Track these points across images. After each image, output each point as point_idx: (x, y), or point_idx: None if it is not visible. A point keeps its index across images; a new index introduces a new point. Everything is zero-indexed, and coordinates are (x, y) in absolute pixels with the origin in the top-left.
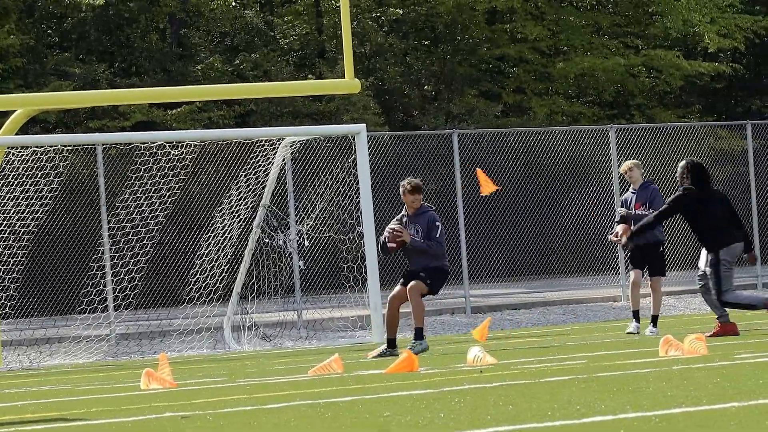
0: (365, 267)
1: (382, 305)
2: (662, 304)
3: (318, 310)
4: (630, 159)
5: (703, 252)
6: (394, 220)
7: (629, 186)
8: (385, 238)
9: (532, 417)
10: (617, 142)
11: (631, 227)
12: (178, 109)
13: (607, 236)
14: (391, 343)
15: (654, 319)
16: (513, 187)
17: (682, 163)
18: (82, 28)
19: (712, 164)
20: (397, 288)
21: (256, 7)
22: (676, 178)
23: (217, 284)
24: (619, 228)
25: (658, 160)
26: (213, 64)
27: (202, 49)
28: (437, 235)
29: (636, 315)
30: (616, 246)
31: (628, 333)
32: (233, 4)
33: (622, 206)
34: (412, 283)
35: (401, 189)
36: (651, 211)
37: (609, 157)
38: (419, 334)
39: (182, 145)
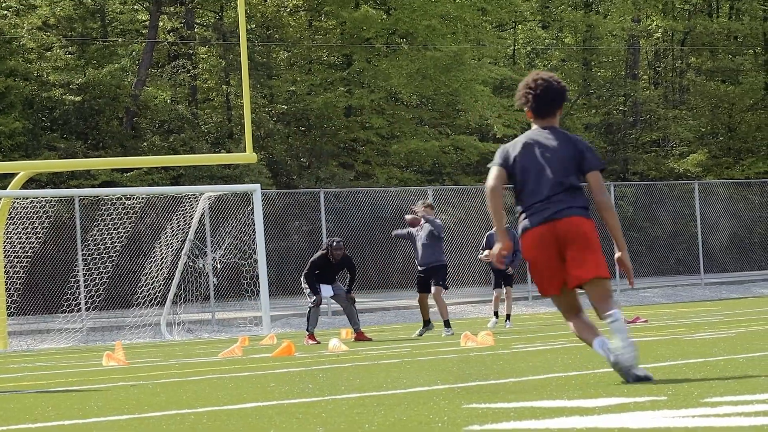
0: (258, 282)
1: (270, 309)
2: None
3: (226, 312)
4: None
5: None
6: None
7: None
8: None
9: (372, 388)
10: (434, 198)
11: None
12: (131, 173)
13: (480, 257)
14: (426, 323)
15: (446, 323)
16: (363, 231)
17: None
18: (66, 116)
19: None
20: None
21: (185, 102)
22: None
23: (157, 293)
24: (488, 251)
25: (460, 212)
26: (155, 142)
27: (147, 131)
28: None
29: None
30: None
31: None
32: (168, 100)
33: (487, 240)
34: (434, 290)
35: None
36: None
37: None
38: (448, 324)
39: (133, 198)
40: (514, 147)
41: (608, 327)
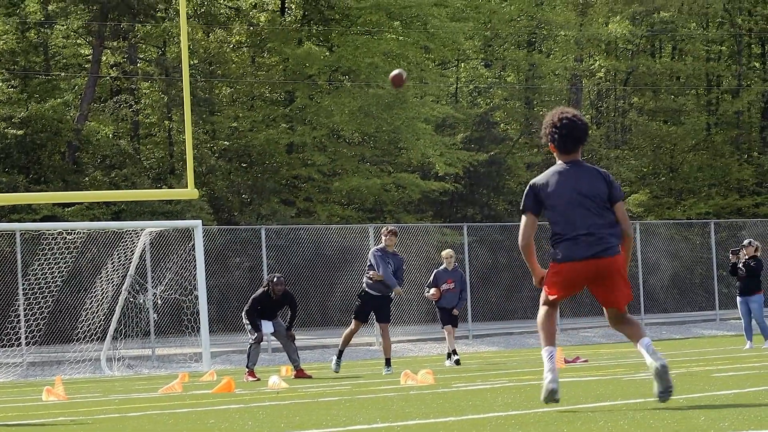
0: (199, 318)
1: (210, 345)
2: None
3: (166, 348)
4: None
5: None
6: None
7: (442, 265)
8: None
9: (311, 425)
10: (374, 236)
11: (441, 291)
12: (72, 208)
13: (426, 295)
14: (340, 354)
15: (387, 361)
16: (304, 268)
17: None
18: (8, 150)
19: (440, 253)
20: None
21: (127, 137)
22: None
23: (97, 328)
24: (434, 290)
25: (401, 251)
26: (96, 176)
27: (89, 166)
28: (403, 275)
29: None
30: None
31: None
32: (110, 135)
33: (435, 277)
34: (383, 324)
35: (384, 230)
36: (454, 285)
37: (369, 247)
38: (388, 362)
39: (75, 233)
40: (544, 181)
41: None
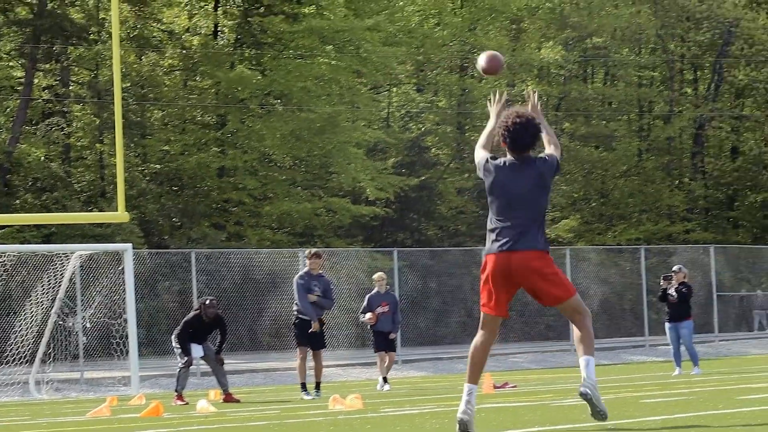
0: (128, 342)
1: (139, 369)
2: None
3: (95, 371)
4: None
5: None
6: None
7: (374, 289)
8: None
9: None
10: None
11: (376, 315)
12: (3, 230)
13: (362, 320)
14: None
15: (317, 385)
16: (233, 292)
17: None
18: None
19: (370, 278)
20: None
21: (59, 160)
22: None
23: (26, 351)
24: (369, 314)
25: (332, 275)
26: (27, 199)
27: (20, 189)
28: (333, 296)
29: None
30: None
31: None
32: (42, 158)
33: (368, 302)
34: (320, 352)
35: (307, 253)
36: (389, 307)
37: (298, 270)
38: (318, 386)
39: (4, 255)
40: (498, 163)
41: None
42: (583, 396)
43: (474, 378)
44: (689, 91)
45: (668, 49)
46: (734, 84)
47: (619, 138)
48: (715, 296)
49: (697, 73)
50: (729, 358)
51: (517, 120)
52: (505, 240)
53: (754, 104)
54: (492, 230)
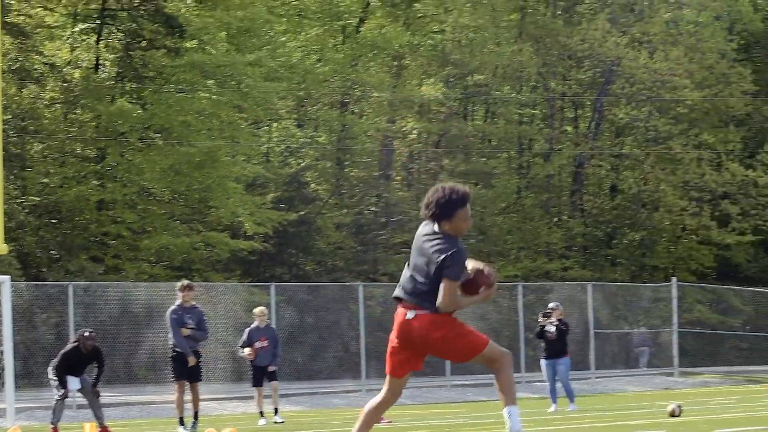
0: (4, 374)
1: (15, 401)
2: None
3: None
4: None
5: None
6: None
7: (254, 323)
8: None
9: None
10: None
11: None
12: None
13: (240, 355)
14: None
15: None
16: (111, 325)
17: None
18: None
19: (248, 312)
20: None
21: None
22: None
23: None
24: (248, 349)
25: (209, 309)
26: None
27: None
28: (206, 326)
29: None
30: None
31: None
32: None
33: (248, 336)
34: (197, 385)
35: (179, 286)
36: (268, 342)
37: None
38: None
39: None
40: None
41: None
42: None
43: None
44: (569, 129)
45: (549, 87)
46: (614, 122)
47: (499, 175)
48: (592, 333)
49: (578, 111)
50: (605, 394)
51: (436, 190)
52: None
53: (634, 143)
54: None
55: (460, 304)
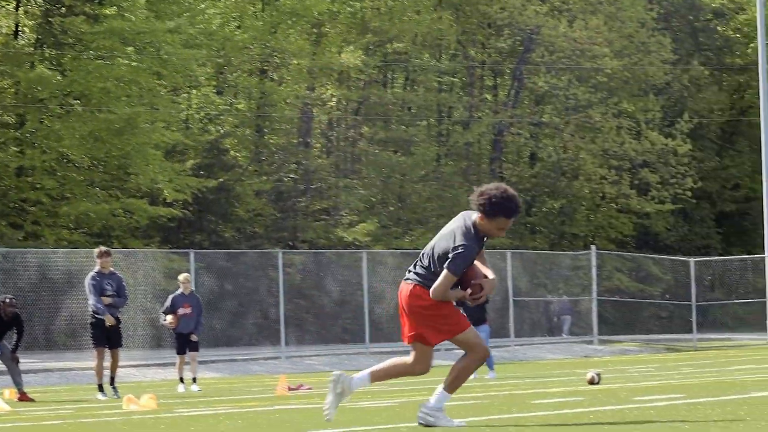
0: None
1: None
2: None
3: None
4: None
5: None
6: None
7: (178, 290)
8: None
9: None
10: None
11: (178, 317)
12: None
13: (162, 323)
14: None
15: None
16: (30, 291)
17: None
18: None
19: (167, 279)
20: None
21: None
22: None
23: None
24: (170, 317)
25: (128, 276)
26: None
27: None
28: (126, 292)
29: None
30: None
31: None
32: None
33: (171, 302)
34: (117, 350)
35: (97, 252)
36: (191, 309)
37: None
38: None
39: None
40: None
41: None
42: (419, 420)
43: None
44: (489, 97)
45: (469, 55)
46: (534, 91)
47: (418, 143)
48: (511, 301)
49: (497, 79)
50: (525, 362)
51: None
52: None
53: (553, 111)
54: None
55: (447, 296)
